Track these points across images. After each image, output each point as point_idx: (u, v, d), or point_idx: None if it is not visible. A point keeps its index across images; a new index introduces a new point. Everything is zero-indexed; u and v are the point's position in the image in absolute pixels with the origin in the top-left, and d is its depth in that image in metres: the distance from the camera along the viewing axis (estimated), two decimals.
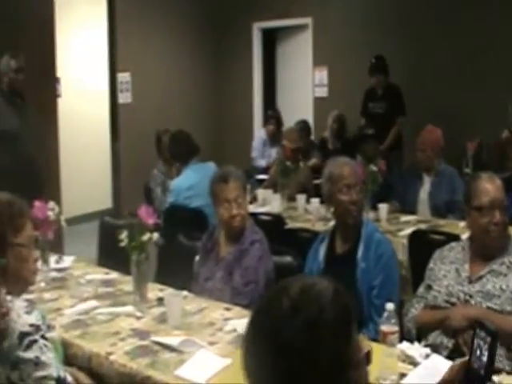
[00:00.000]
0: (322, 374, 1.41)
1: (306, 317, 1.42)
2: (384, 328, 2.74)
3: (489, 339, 1.74)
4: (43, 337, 2.39)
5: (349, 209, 3.59)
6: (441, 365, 2.56)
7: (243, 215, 3.78)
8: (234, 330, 3.09)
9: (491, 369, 1.74)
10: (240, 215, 3.75)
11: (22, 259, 2.59)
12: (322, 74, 9.60)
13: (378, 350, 2.42)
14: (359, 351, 1.48)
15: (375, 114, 8.03)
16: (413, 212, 5.62)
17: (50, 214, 4.10)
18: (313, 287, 1.48)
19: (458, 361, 1.90)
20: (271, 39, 10.38)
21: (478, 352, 1.77)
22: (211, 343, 2.98)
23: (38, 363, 2.32)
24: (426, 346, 2.98)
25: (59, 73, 8.02)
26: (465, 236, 3.68)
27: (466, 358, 1.84)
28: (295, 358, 1.41)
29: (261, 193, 6.41)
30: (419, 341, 3.11)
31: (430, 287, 3.33)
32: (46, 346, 2.38)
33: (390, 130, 7.89)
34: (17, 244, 2.58)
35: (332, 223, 3.88)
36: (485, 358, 1.74)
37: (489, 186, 3.17)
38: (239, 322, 3.14)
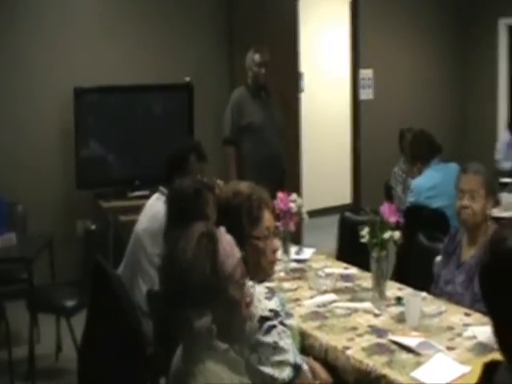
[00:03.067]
0: None
1: None
2: None
3: None
4: (282, 323, 2.46)
5: None
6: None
7: (475, 211, 3.61)
8: (474, 337, 3.00)
9: None
10: (471, 209, 3.62)
11: (258, 251, 2.65)
12: None
13: None
14: None
15: None
16: None
17: (292, 205, 4.19)
18: None
19: None
20: None
21: None
22: (449, 348, 2.91)
23: (276, 348, 2.39)
24: None
25: (303, 68, 8.19)
26: None
27: None
28: None
29: (505, 197, 6.15)
30: None
31: None
32: (284, 331, 2.45)
33: None
34: (253, 236, 2.64)
35: None
36: None
37: None
38: (479, 329, 3.05)
